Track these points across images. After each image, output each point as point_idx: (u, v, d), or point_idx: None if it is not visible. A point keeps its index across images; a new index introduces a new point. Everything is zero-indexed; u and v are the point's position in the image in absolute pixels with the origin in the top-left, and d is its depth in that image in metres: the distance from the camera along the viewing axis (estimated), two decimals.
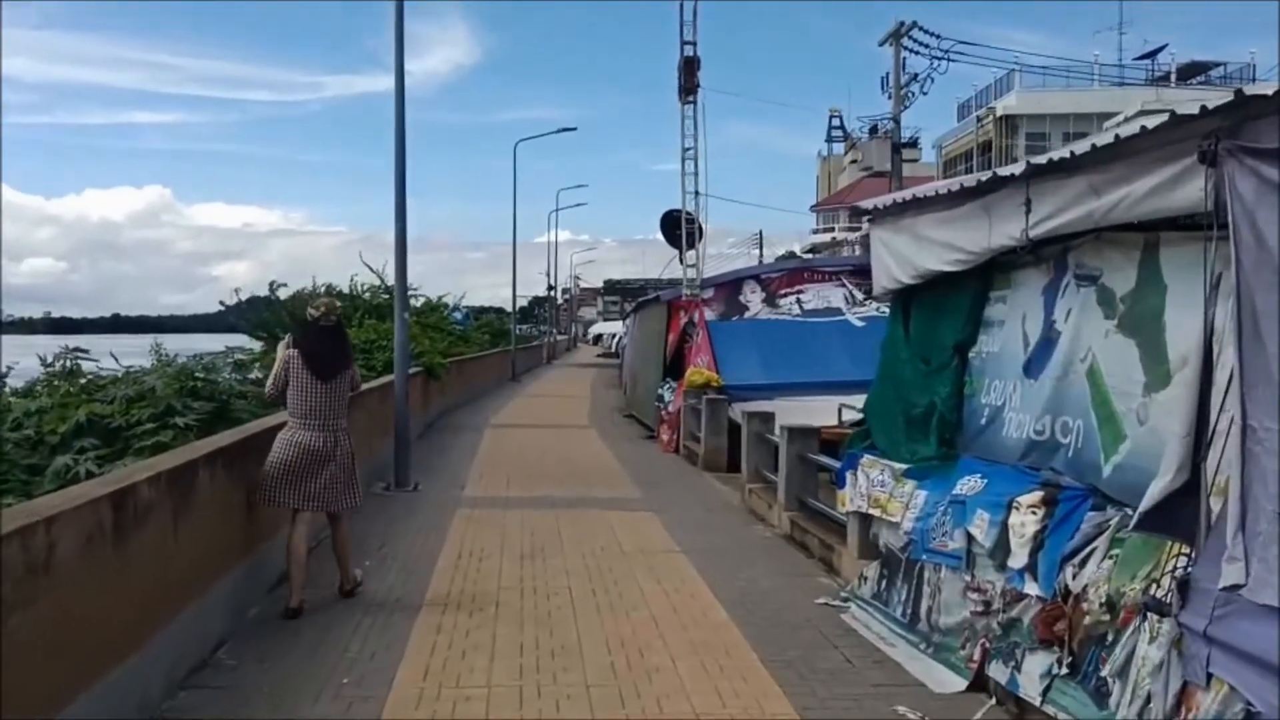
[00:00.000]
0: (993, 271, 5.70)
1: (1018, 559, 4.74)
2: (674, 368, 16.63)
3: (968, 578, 5.19)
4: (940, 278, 6.02)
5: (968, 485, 5.35)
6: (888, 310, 7.33)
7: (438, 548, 7.99)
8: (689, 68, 15.76)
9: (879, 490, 6.51)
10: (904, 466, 6.23)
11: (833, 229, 67.15)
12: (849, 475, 7.02)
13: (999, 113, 46.64)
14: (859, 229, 64.23)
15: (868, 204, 6.90)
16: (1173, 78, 45.64)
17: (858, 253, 45.59)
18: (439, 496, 10.46)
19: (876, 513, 6.50)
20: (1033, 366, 5.23)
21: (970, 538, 5.16)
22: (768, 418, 10.28)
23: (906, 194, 6.16)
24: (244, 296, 18.94)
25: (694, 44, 15.77)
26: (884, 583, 6.29)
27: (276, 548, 6.50)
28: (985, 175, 5.36)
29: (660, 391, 16.60)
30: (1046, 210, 4.74)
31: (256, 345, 15.49)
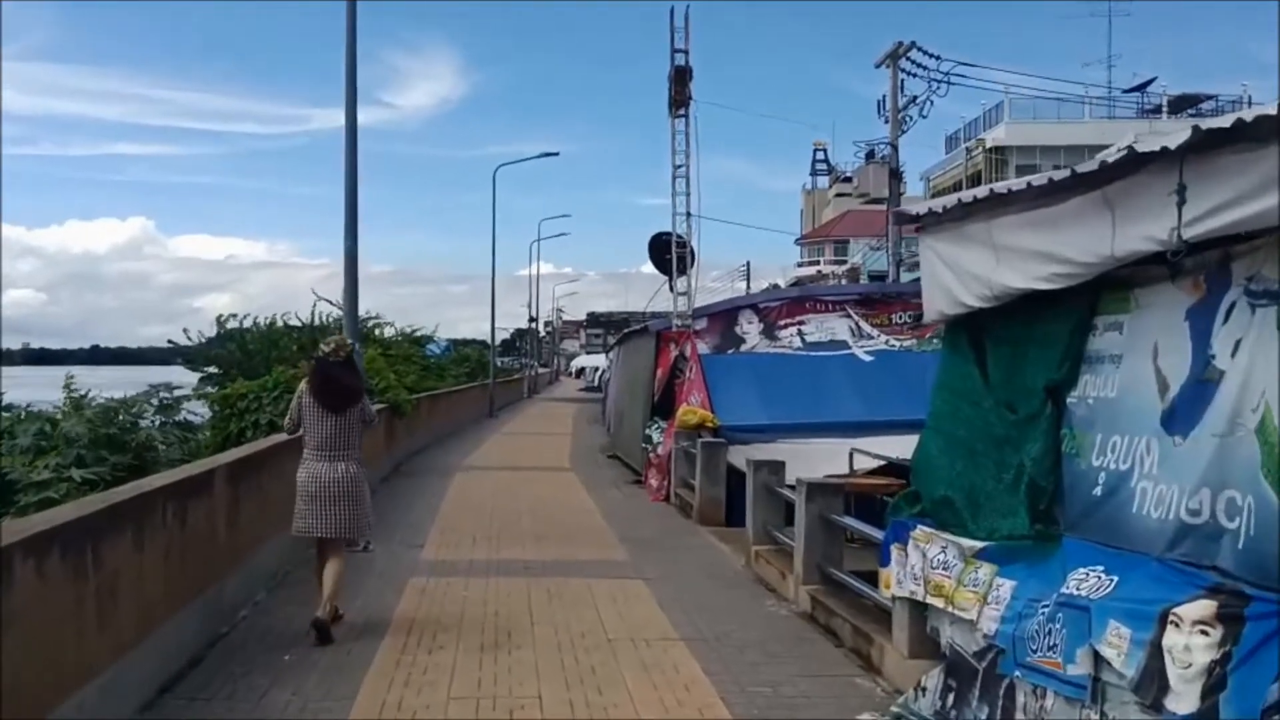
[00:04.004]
0: (1101, 290, 4.30)
1: (1183, 700, 3.28)
2: (663, 405, 15.15)
3: (1095, 716, 3.73)
4: (1025, 300, 4.62)
5: (1087, 583, 3.89)
6: (939, 341, 5.93)
7: (379, 634, 6.45)
8: (680, 78, 14.43)
9: (940, 573, 5.05)
10: (978, 544, 4.77)
11: (818, 262, 66.32)
12: (895, 550, 5.57)
13: (988, 144, 45.79)
14: (844, 261, 63.71)
15: (919, 208, 5.50)
16: (1164, 111, 44.99)
17: (844, 283, 44.37)
18: (391, 560, 8.92)
19: (938, 602, 5.03)
20: (1177, 419, 3.78)
21: (1099, 659, 3.69)
22: (777, 467, 8.81)
23: (980, 190, 4.76)
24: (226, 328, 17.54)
25: (686, 52, 14.44)
26: (951, 696, 4.81)
27: (148, 655, 4.98)
28: (1112, 153, 3.95)
29: (648, 431, 15.10)
30: (1215, 199, 3.34)
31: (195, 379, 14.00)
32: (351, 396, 6.60)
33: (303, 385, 6.71)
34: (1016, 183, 4.41)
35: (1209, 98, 45.70)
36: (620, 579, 8.25)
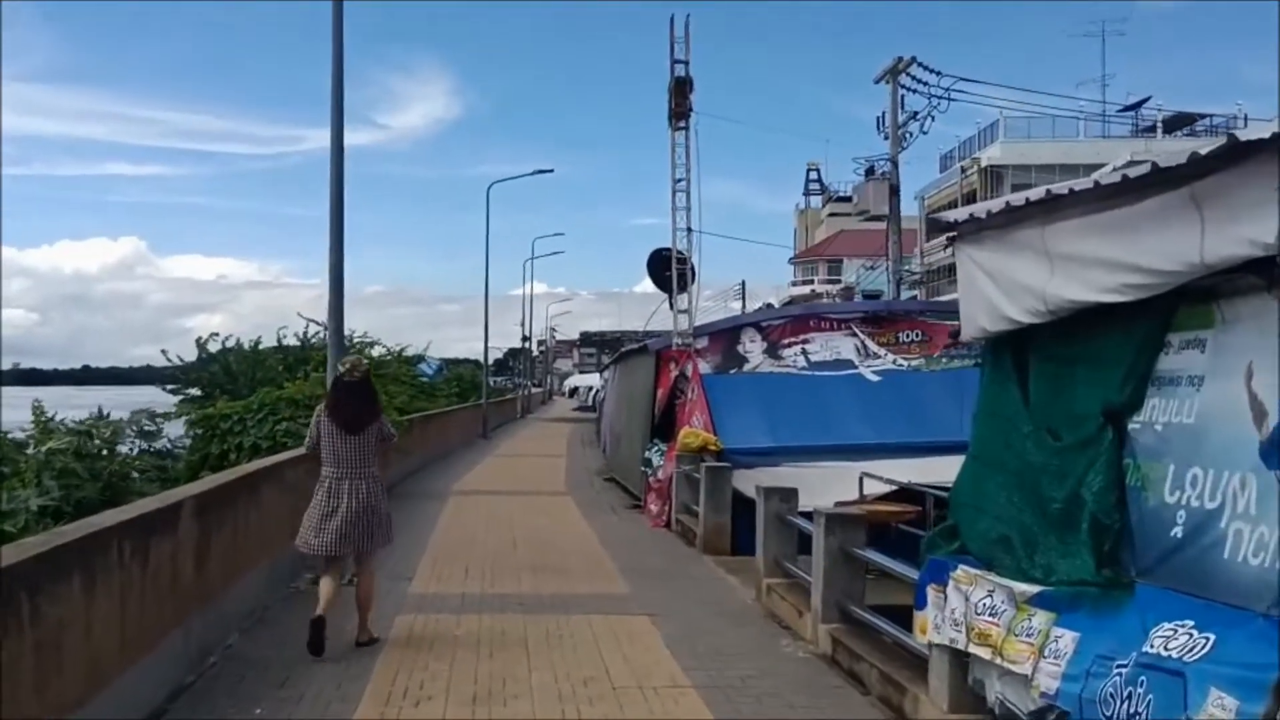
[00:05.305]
0: (1178, 301, 3.81)
1: None
2: (662, 427, 14.62)
3: None
4: (1080, 313, 4.13)
5: (1175, 641, 3.37)
6: (977, 360, 5.44)
7: (361, 681, 5.89)
8: (680, 89, 13.98)
9: (985, 620, 4.52)
10: (1032, 589, 4.25)
11: (812, 281, 66.03)
12: (932, 591, 5.04)
13: (983, 163, 45.57)
14: (838, 281, 63.36)
15: (958, 214, 5.00)
16: (1159, 130, 44.85)
17: (838, 302, 43.95)
18: (378, 594, 8.33)
19: (983, 653, 4.51)
20: None
21: None
22: (789, 495, 8.29)
23: (1034, 193, 4.27)
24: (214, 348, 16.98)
25: (686, 63, 14.01)
26: None
27: (98, 714, 4.42)
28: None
29: (647, 454, 14.55)
30: None
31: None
32: (366, 417, 6.71)
33: (321, 405, 6.90)
34: (1080, 182, 3.93)
35: (1204, 116, 45.57)
36: (623, 615, 7.71)
